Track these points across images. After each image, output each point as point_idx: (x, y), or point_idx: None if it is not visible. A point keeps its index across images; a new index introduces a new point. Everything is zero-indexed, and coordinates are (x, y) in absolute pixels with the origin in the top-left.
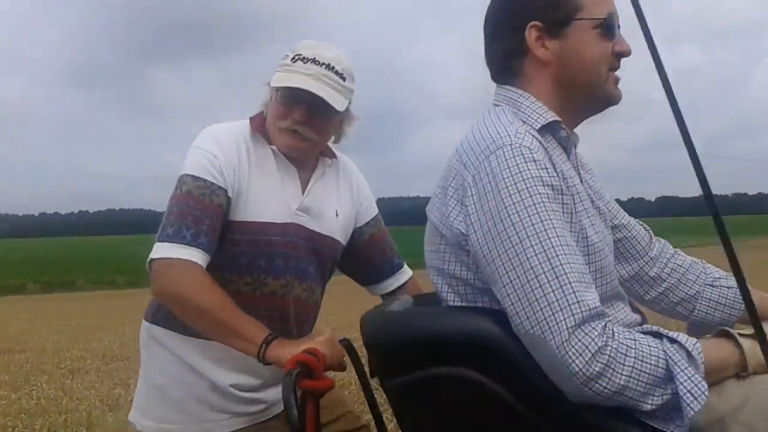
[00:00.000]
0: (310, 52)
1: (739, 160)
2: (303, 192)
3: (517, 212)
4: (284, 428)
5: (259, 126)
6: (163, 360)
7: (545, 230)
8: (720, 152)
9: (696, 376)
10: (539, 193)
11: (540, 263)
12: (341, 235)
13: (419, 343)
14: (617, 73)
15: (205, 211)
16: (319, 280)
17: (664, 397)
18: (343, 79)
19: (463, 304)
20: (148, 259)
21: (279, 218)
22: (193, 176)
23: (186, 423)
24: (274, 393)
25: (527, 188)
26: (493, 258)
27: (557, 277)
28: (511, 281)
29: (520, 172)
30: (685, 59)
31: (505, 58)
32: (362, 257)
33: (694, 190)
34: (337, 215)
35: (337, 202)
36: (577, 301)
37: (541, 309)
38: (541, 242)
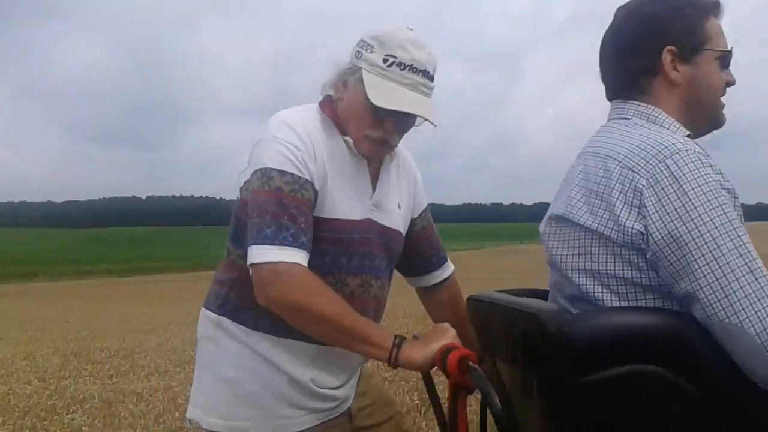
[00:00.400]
0: (407, 56)
1: (498, 173)
2: (372, 185)
3: (707, 212)
4: (349, 425)
5: (333, 114)
6: (235, 352)
7: (734, 229)
8: (482, 165)
9: None
10: (722, 196)
11: (734, 258)
12: (403, 228)
13: (619, 340)
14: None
15: (299, 208)
16: (389, 276)
17: None
18: (433, 80)
19: (623, 303)
20: (249, 263)
21: (358, 215)
22: (279, 170)
23: (259, 420)
24: (347, 389)
25: (712, 191)
26: (684, 254)
27: (752, 271)
28: (705, 275)
29: (702, 175)
30: (453, 79)
31: (636, 76)
32: (414, 249)
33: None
34: (399, 207)
35: (398, 194)
36: None
37: (738, 300)
38: (732, 240)
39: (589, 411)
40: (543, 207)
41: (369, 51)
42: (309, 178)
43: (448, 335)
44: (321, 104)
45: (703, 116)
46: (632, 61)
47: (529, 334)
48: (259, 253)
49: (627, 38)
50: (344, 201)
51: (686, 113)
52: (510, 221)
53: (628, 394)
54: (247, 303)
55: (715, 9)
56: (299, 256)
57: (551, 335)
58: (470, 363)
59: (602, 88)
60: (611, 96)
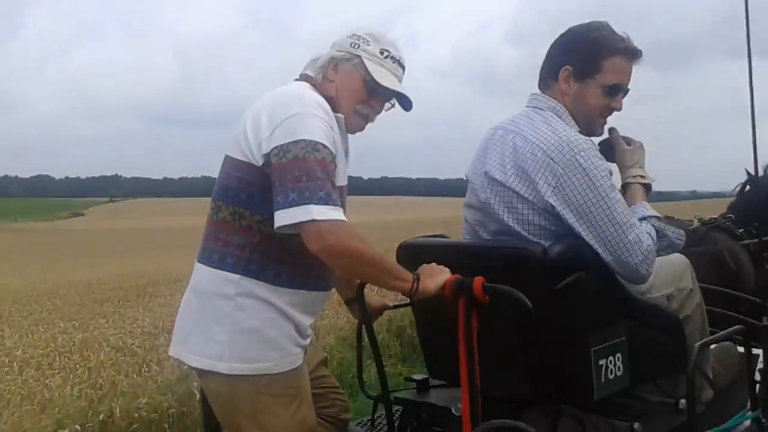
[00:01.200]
0: (397, 54)
1: None
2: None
3: (607, 193)
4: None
5: (329, 93)
6: (256, 307)
7: (621, 202)
8: None
9: (672, 227)
10: (610, 180)
11: (624, 222)
12: None
13: (571, 260)
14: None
15: (334, 177)
16: None
17: (667, 246)
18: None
19: (535, 238)
20: (309, 219)
21: (344, 181)
22: (323, 144)
23: (278, 359)
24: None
25: (605, 177)
26: (592, 218)
27: (632, 228)
28: (604, 231)
29: (598, 167)
30: None
31: (549, 76)
32: None
33: None
34: None
35: None
36: (640, 241)
37: (625, 246)
38: (623, 210)
39: (556, 305)
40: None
41: (366, 44)
42: (334, 153)
43: (446, 271)
44: (317, 85)
45: (580, 123)
46: (551, 64)
47: (511, 261)
48: (319, 211)
49: (553, 47)
50: (342, 169)
51: (573, 116)
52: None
53: (576, 292)
54: (269, 262)
55: (629, 54)
56: (344, 216)
57: (538, 260)
58: (491, 285)
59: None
60: (539, 86)
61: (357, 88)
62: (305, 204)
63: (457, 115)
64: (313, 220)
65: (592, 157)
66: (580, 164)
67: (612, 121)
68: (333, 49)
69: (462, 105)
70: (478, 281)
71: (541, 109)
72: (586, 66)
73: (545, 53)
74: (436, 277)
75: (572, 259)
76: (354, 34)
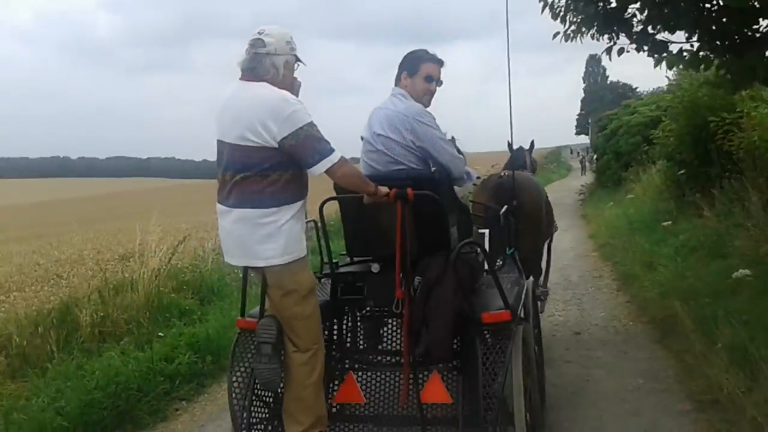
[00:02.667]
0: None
1: None
2: None
3: (442, 137)
4: None
5: (287, 87)
6: (290, 218)
7: (448, 142)
8: None
9: (472, 169)
10: (440, 130)
11: (452, 152)
12: None
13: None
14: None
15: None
16: None
17: (467, 179)
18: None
19: (414, 164)
20: (333, 163)
21: None
22: (313, 122)
23: (305, 249)
24: None
25: (436, 127)
26: (437, 150)
27: (455, 156)
28: (446, 157)
29: (433, 118)
30: None
31: (398, 77)
32: None
33: None
34: None
35: None
36: (461, 164)
37: (456, 166)
38: (450, 146)
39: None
40: None
41: (293, 43)
42: None
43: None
44: (271, 83)
45: (417, 99)
46: (397, 71)
47: (418, 178)
48: (335, 157)
49: (402, 60)
50: None
51: (412, 96)
52: None
53: (441, 193)
54: (285, 194)
55: (433, 60)
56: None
57: (431, 177)
58: (415, 191)
59: None
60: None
61: (291, 78)
62: (327, 156)
63: (51, 85)
64: (334, 163)
65: (427, 116)
66: (423, 121)
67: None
68: (277, 51)
69: (56, 74)
70: (409, 190)
71: (397, 95)
72: (412, 69)
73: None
74: (384, 188)
75: (442, 176)
76: (288, 40)
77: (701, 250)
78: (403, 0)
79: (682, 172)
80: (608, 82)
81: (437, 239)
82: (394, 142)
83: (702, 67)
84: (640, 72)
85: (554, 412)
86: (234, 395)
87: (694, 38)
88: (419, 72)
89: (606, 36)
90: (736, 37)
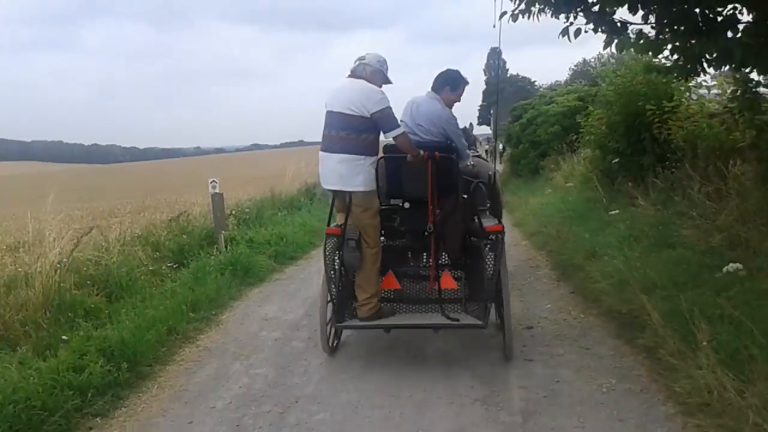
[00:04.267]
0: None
1: None
2: None
3: (460, 133)
4: None
5: (375, 83)
6: (367, 164)
7: (462, 134)
8: None
9: (469, 153)
10: (458, 126)
11: (462, 137)
12: None
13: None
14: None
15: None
16: None
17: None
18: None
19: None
20: (399, 133)
21: None
22: (390, 104)
23: (374, 183)
24: None
25: (456, 124)
26: (457, 141)
27: (462, 139)
28: (460, 146)
29: (457, 121)
30: None
31: (439, 87)
32: None
33: None
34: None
35: None
36: (465, 145)
37: (464, 153)
38: (463, 136)
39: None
40: None
41: (385, 63)
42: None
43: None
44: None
45: (448, 106)
46: (438, 82)
47: (440, 147)
48: (400, 129)
49: (440, 76)
50: None
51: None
52: None
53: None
54: (366, 148)
55: (467, 83)
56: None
57: (451, 147)
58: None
59: None
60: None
61: (381, 80)
62: (397, 128)
63: None
64: (399, 133)
65: (454, 120)
66: (452, 123)
67: None
68: (372, 65)
69: None
70: (437, 153)
71: (434, 99)
72: (455, 86)
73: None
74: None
75: (456, 151)
76: (379, 59)
77: (645, 240)
78: None
79: (616, 160)
80: (508, 75)
81: (449, 187)
82: (434, 129)
83: (652, 52)
84: (538, 66)
85: (532, 420)
86: (329, 274)
87: (653, 19)
88: (458, 90)
89: (563, 16)
90: (700, 21)
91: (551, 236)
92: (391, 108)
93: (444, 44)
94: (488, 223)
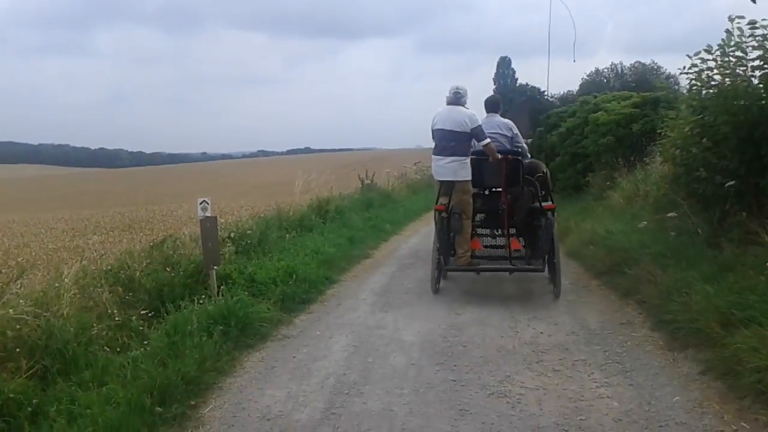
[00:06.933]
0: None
1: None
2: None
3: (520, 135)
4: None
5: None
6: (469, 162)
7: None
8: None
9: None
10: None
11: (521, 138)
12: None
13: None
14: None
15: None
16: None
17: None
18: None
19: (509, 146)
20: (488, 140)
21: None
22: (481, 124)
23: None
24: None
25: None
26: (521, 144)
27: (524, 145)
28: (523, 147)
29: (516, 129)
30: None
31: (492, 108)
32: None
33: None
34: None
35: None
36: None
37: (526, 151)
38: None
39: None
40: None
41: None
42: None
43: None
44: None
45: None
46: (488, 105)
47: (512, 152)
48: (487, 140)
49: (495, 103)
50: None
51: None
52: None
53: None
54: (468, 150)
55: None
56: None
57: (518, 152)
58: (512, 157)
59: None
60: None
61: (465, 104)
62: (486, 139)
63: None
64: (488, 142)
65: (515, 127)
66: (514, 130)
67: None
68: (463, 96)
69: None
70: (511, 156)
71: (498, 116)
72: (496, 108)
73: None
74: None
75: (520, 153)
76: (466, 90)
77: None
78: None
79: (730, 183)
80: (517, 84)
81: (515, 179)
82: (504, 138)
83: None
84: (545, 76)
85: None
86: (439, 235)
87: None
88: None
89: None
90: None
91: (640, 280)
92: (481, 125)
93: (453, 53)
94: (545, 203)
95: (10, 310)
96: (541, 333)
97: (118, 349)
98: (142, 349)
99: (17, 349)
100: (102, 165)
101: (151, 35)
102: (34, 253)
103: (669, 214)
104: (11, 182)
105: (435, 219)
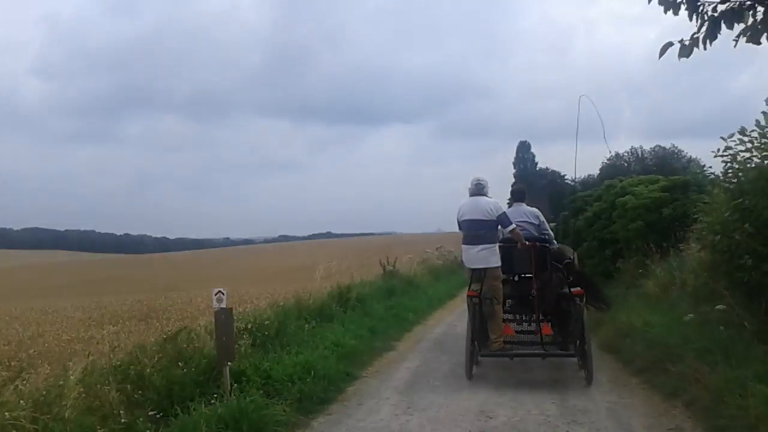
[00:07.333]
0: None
1: None
2: None
3: (545, 222)
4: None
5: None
6: (497, 250)
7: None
8: None
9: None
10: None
11: (548, 226)
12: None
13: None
14: None
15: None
16: None
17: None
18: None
19: (536, 234)
20: (513, 226)
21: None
22: (505, 211)
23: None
24: None
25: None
26: (547, 232)
27: (551, 232)
28: (550, 235)
29: (543, 217)
30: None
31: (518, 198)
32: None
33: None
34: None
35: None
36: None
37: (552, 239)
38: (548, 227)
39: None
40: None
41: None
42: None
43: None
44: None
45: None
46: (514, 195)
47: (538, 239)
48: (512, 226)
49: (521, 193)
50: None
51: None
52: None
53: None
54: (496, 239)
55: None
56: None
57: (545, 240)
58: (539, 245)
59: None
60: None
61: (487, 193)
62: (511, 225)
63: None
64: (513, 228)
65: (542, 215)
66: (541, 218)
67: None
68: (485, 186)
69: None
70: (537, 244)
71: (523, 206)
72: (522, 197)
73: (477, 183)
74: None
75: (547, 240)
76: (486, 181)
77: None
78: (339, 80)
79: None
80: (537, 168)
81: (544, 265)
82: (531, 225)
83: None
84: (565, 161)
85: None
86: (472, 320)
87: None
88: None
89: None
90: None
91: (685, 378)
92: (505, 212)
93: (472, 138)
94: (573, 288)
95: (7, 413)
96: None
97: None
98: None
99: None
100: (127, 250)
101: (177, 122)
102: (46, 344)
103: (717, 307)
104: (37, 268)
105: (468, 305)
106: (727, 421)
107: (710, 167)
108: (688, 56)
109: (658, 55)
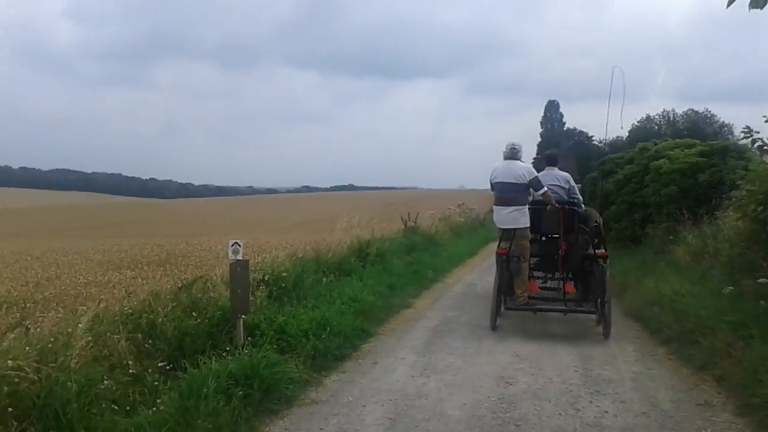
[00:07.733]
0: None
1: None
2: None
3: (575, 187)
4: None
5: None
6: (527, 211)
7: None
8: None
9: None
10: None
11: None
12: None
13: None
14: None
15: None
16: None
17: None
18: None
19: (565, 197)
20: (545, 190)
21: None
22: (537, 175)
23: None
24: None
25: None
26: (576, 195)
27: (580, 196)
28: (579, 198)
29: (573, 180)
30: None
31: (550, 163)
32: None
33: None
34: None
35: None
36: (580, 198)
37: (581, 202)
38: (578, 191)
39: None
40: None
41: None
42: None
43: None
44: (521, 161)
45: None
46: (545, 160)
47: (568, 202)
48: (544, 189)
49: (555, 157)
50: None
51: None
52: None
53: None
54: (526, 199)
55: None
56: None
57: (574, 203)
58: (568, 207)
59: None
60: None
61: (521, 158)
62: (543, 188)
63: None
64: (544, 190)
65: (572, 179)
66: (571, 182)
67: None
68: (519, 150)
69: (7, 81)
70: (566, 206)
71: (556, 169)
72: (555, 162)
73: (510, 148)
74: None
75: (576, 203)
76: (522, 144)
77: None
78: (369, 33)
79: None
80: (565, 128)
81: (571, 227)
82: (562, 189)
83: None
84: (594, 122)
85: None
86: (500, 276)
87: None
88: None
89: None
90: None
91: (717, 352)
92: (537, 176)
93: (500, 95)
94: (598, 251)
95: (9, 361)
96: (606, 412)
97: (128, 408)
98: (151, 410)
99: (9, 409)
100: (152, 195)
101: (207, 70)
102: (63, 287)
103: (760, 280)
104: (62, 209)
105: (496, 261)
106: (760, 400)
107: (758, 132)
108: (762, 7)
109: (726, 4)
